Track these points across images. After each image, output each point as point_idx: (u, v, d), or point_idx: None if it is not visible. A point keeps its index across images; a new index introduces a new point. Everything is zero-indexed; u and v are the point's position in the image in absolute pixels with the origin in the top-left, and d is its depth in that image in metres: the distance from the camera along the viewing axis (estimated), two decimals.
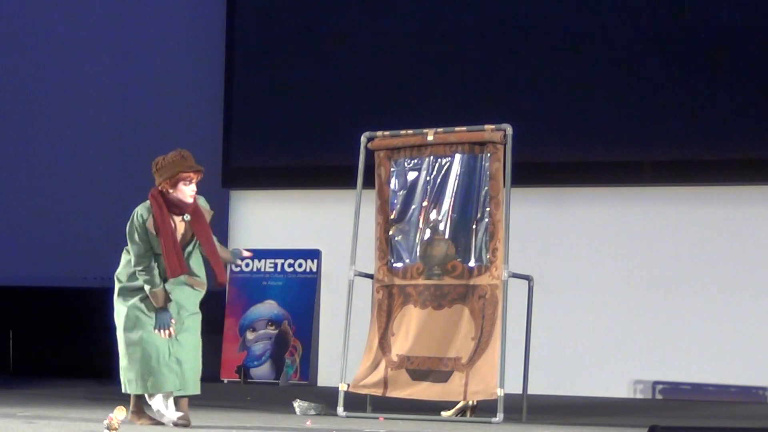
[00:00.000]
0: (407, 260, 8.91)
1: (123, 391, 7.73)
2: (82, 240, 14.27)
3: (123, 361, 7.73)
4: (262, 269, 12.92)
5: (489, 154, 8.70)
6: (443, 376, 8.55)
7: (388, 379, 8.69)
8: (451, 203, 8.84)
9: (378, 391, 8.74)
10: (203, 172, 7.78)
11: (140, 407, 7.77)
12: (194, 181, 7.75)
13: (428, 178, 8.94)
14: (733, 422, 8.97)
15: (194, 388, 7.72)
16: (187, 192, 7.71)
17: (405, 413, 8.65)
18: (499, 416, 8.25)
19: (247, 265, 12.97)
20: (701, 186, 11.88)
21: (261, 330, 12.77)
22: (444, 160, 8.91)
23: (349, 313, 8.96)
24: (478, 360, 8.44)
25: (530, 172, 11.53)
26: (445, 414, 8.76)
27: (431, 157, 8.96)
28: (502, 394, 8.29)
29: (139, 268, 7.68)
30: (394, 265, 8.95)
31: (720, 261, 11.73)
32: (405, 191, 9.02)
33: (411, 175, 9.01)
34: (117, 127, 14.41)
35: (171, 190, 7.69)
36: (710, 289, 11.71)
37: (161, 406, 7.69)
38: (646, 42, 11.93)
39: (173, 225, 7.73)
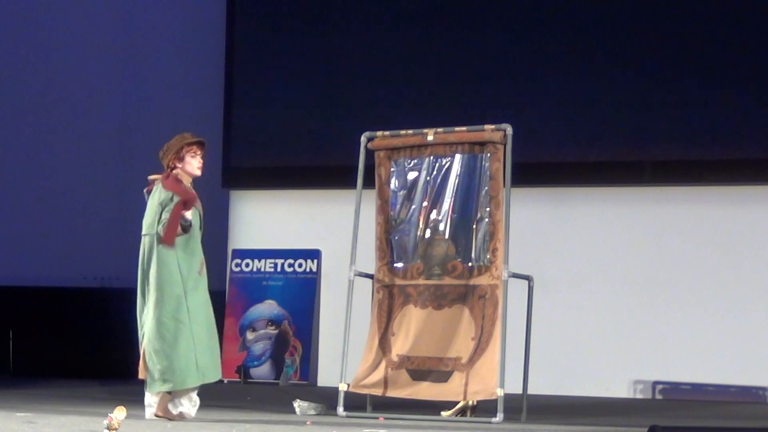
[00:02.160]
0: (407, 260, 8.91)
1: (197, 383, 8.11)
2: (82, 240, 14.27)
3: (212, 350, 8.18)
4: (262, 269, 12.92)
5: (489, 154, 8.70)
6: (443, 376, 8.55)
7: (388, 379, 8.69)
8: (451, 203, 8.83)
9: (378, 391, 8.74)
10: (205, 144, 8.40)
11: None
12: (199, 153, 8.32)
13: (428, 178, 8.93)
14: (733, 422, 8.97)
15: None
16: (194, 164, 8.32)
17: (405, 413, 8.65)
18: (499, 416, 8.24)
19: (247, 265, 12.98)
20: (701, 186, 11.87)
21: (261, 330, 12.77)
22: (444, 160, 8.91)
23: (349, 313, 8.95)
24: (478, 360, 8.43)
25: (530, 172, 11.54)
26: (445, 414, 8.75)
27: (431, 157, 8.95)
28: (502, 394, 8.29)
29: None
30: (395, 265, 8.95)
31: (720, 261, 11.72)
32: (405, 191, 9.01)
33: (411, 175, 9.01)
34: (117, 127, 14.41)
35: (179, 165, 8.26)
36: (710, 289, 11.71)
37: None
38: (646, 42, 11.93)
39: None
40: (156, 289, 8.21)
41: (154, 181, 8.44)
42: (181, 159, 8.32)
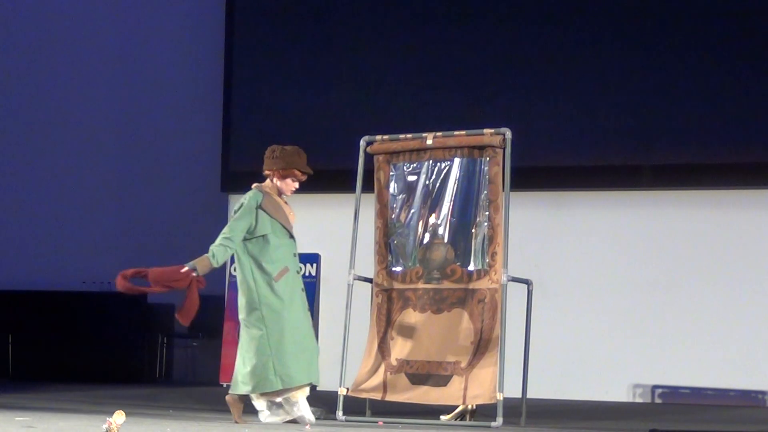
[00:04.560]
0: (406, 264, 8.90)
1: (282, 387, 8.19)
2: (80, 244, 14.28)
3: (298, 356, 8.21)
4: None
5: (488, 158, 8.69)
6: (442, 380, 8.54)
7: (387, 383, 8.68)
8: (451, 207, 8.83)
9: (377, 395, 8.73)
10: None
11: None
12: (301, 179, 8.38)
13: (427, 182, 8.93)
14: (733, 426, 8.97)
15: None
16: (291, 187, 8.37)
17: (404, 417, 8.65)
18: (499, 420, 8.24)
19: None
20: (700, 190, 11.88)
21: None
22: (443, 164, 8.90)
23: (348, 317, 8.95)
24: (477, 364, 8.42)
25: (530, 176, 11.54)
26: (444, 418, 8.75)
27: (430, 161, 8.94)
28: (502, 398, 8.28)
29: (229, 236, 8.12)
30: (394, 269, 8.94)
31: (719, 265, 11.73)
32: (404, 195, 9.01)
33: (410, 179, 9.01)
34: (116, 131, 14.41)
35: (278, 181, 8.32)
36: (709, 293, 11.71)
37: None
38: (645, 45, 11.94)
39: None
40: (240, 295, 8.30)
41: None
42: (283, 178, 8.39)
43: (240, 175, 13.19)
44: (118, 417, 6.99)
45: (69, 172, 14.44)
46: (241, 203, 8.35)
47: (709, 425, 9.13)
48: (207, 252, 8.10)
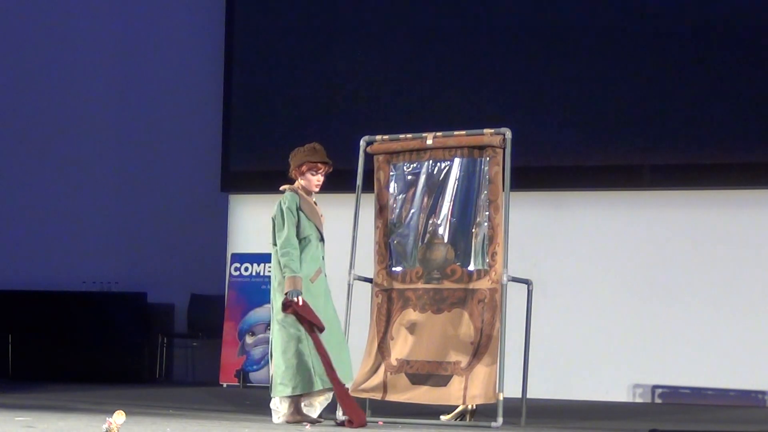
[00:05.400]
0: (406, 264, 8.90)
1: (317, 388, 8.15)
2: (80, 244, 14.27)
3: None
4: (261, 273, 12.92)
5: (488, 158, 8.69)
6: (442, 380, 8.54)
7: (387, 383, 8.68)
8: (451, 207, 8.82)
9: (377, 395, 8.73)
10: (331, 165, 8.49)
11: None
12: (321, 171, 8.45)
13: (427, 183, 8.93)
14: (732, 426, 8.96)
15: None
16: (313, 180, 8.44)
17: (404, 417, 8.64)
18: (499, 420, 8.24)
19: (246, 269, 12.97)
20: (700, 190, 11.88)
21: (260, 334, 12.76)
22: (443, 164, 8.90)
23: (348, 318, 8.94)
24: (477, 364, 8.42)
25: (530, 176, 11.54)
26: (444, 418, 8.75)
27: (430, 161, 8.94)
28: (502, 398, 8.28)
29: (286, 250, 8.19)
30: (393, 269, 8.94)
31: (719, 265, 11.72)
32: (404, 195, 9.01)
33: (410, 179, 9.00)
34: (117, 131, 14.41)
35: (300, 178, 8.39)
36: (709, 293, 11.71)
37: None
38: (645, 46, 11.94)
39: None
40: (278, 296, 8.29)
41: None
42: (302, 173, 8.45)
43: (240, 175, 13.21)
44: (118, 417, 6.99)
45: (69, 172, 14.44)
46: (279, 208, 8.34)
47: (709, 425, 9.13)
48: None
